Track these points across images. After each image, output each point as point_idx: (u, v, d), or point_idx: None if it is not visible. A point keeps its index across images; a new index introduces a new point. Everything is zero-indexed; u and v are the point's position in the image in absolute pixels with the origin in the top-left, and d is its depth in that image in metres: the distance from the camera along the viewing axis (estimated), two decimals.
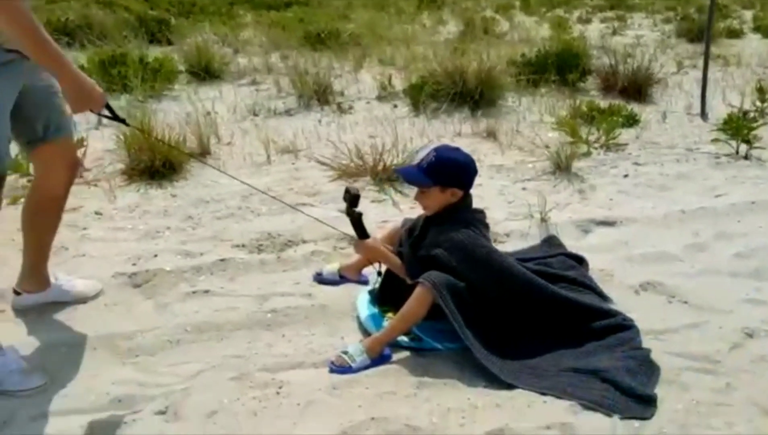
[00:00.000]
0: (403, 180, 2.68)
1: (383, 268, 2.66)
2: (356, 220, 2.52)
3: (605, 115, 5.32)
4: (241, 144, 4.63)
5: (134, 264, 2.96)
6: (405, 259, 2.51)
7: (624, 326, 2.50)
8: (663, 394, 2.18)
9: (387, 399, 2.16)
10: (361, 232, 2.55)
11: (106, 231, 3.31)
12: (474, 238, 2.45)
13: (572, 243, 3.28)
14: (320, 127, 5.28)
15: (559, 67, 6.72)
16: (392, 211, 3.62)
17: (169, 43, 9.27)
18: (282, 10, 14.50)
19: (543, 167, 4.38)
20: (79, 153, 4.10)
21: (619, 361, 2.30)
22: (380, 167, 4.01)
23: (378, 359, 2.36)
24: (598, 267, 3.02)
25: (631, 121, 5.45)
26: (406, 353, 2.42)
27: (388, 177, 3.94)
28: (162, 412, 2.10)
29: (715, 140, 4.79)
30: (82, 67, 6.35)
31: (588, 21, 14.47)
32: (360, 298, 2.70)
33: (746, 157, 4.64)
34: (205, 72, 6.82)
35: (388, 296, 2.60)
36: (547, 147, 4.73)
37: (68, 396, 2.18)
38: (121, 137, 4.24)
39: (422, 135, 4.99)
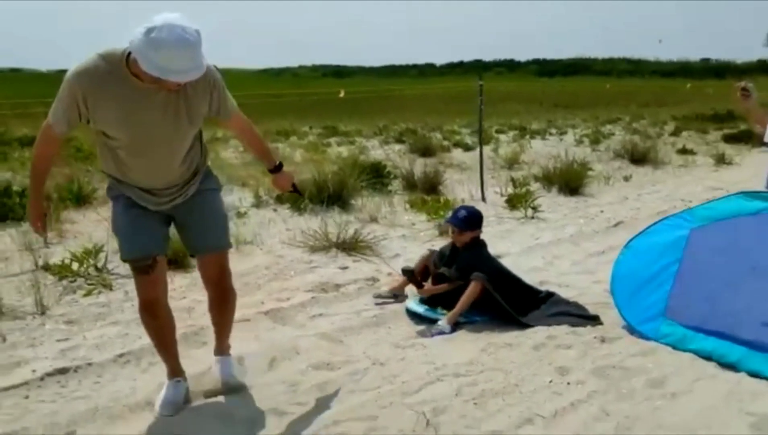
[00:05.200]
0: (451, 226, 4.44)
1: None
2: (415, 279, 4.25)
3: (434, 202, 7.60)
4: None
5: (263, 303, 4.25)
6: (452, 271, 4.28)
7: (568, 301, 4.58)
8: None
9: (472, 341, 3.88)
10: (419, 284, 4.25)
11: None
12: (492, 258, 4.44)
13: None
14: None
15: (375, 173, 8.94)
16: (370, 266, 5.29)
17: None
18: None
19: (432, 232, 6.43)
20: None
21: (569, 307, 4.37)
22: (340, 240, 5.63)
23: (453, 327, 4.07)
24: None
25: (448, 204, 7.82)
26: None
27: (350, 246, 5.59)
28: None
29: (514, 209, 7.38)
30: None
31: (328, 145, 17.21)
32: (410, 305, 4.36)
33: (533, 218, 7.28)
34: None
35: (434, 300, 4.33)
36: (413, 225, 6.80)
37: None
38: None
39: (321, 225, 6.66)
